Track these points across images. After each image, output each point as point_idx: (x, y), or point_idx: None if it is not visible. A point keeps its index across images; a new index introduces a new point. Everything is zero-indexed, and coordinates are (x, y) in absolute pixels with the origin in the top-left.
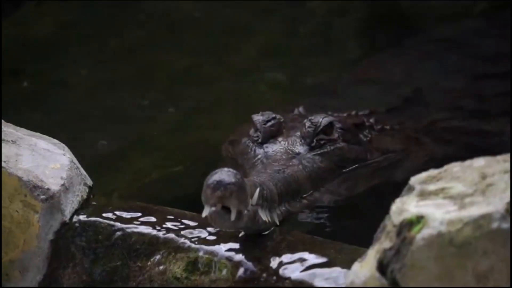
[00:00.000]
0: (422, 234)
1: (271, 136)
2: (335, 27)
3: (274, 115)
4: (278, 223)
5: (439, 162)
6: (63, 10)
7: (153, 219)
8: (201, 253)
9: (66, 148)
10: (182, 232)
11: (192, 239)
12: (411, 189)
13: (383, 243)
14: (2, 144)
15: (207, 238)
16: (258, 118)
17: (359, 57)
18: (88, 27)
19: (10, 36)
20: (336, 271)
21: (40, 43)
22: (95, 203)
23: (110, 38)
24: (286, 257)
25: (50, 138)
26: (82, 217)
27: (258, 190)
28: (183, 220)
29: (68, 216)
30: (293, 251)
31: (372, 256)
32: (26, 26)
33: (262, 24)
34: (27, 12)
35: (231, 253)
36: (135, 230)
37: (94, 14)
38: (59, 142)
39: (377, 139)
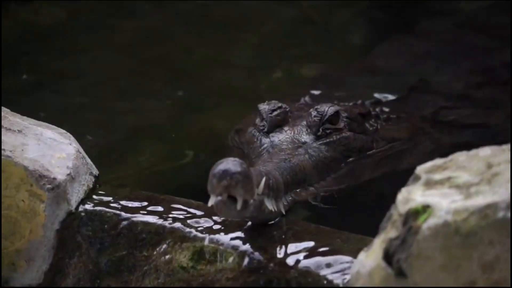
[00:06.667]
0: (428, 223)
1: (277, 125)
2: (341, 16)
3: (280, 104)
4: (284, 212)
5: (445, 151)
6: (67, 1)
7: (159, 208)
8: (207, 243)
9: (72, 138)
10: (188, 222)
11: (199, 229)
12: (417, 178)
13: (389, 232)
14: (9, 134)
15: (214, 227)
16: (264, 107)
17: (365, 47)
18: (92, 18)
19: (12, 27)
20: (342, 261)
21: (41, 33)
22: (101, 192)
23: (115, 28)
24: (292, 247)
25: (56, 127)
26: (88, 207)
27: (264, 179)
28: (189, 210)
29: (74, 206)
30: (299, 240)
31: (378, 245)
32: (28, 17)
33: (269, 13)
34: (29, 3)
35: (237, 243)
36: (141, 219)
37: (99, 5)
38: (65, 132)
39: (383, 129)
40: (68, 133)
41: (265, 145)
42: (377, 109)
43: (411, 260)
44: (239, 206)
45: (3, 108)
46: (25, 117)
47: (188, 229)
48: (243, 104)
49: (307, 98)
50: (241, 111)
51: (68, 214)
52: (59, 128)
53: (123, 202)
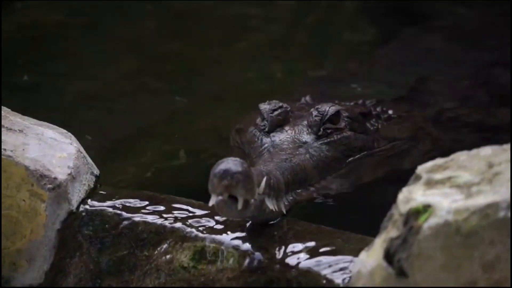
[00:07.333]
0: (428, 223)
1: (278, 125)
2: (343, 15)
3: (280, 104)
4: (285, 212)
5: (446, 151)
6: (67, 1)
7: (160, 208)
8: (208, 242)
9: (73, 137)
10: (189, 221)
11: (199, 228)
12: (418, 178)
13: (390, 232)
14: (9, 133)
15: (214, 227)
16: (264, 107)
17: (366, 46)
18: (92, 18)
19: (12, 27)
20: (343, 260)
21: (42, 33)
22: (102, 192)
23: (117, 28)
24: (293, 246)
25: (57, 127)
26: (89, 206)
27: (264, 179)
28: (190, 209)
29: (75, 205)
30: (300, 240)
31: (379, 245)
32: (29, 16)
33: (270, 13)
34: (29, 3)
35: (238, 242)
36: (142, 219)
37: (99, 5)
38: (66, 131)
39: (384, 128)
40: (69, 133)
41: (266, 145)
42: (378, 109)
43: (412, 259)
44: (240, 205)
45: (4, 108)
46: (26, 117)
47: (189, 229)
48: (244, 104)
49: (307, 98)
50: (242, 110)
51: (69, 213)
52: (60, 128)
53: (124, 202)
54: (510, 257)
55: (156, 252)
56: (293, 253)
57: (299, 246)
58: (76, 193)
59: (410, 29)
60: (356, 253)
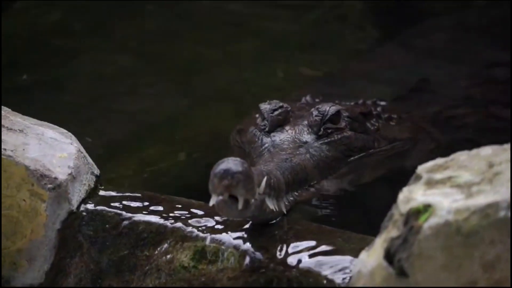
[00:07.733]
0: (429, 223)
1: (278, 125)
2: (343, 16)
3: (281, 104)
4: (285, 212)
5: (446, 150)
6: (67, 1)
7: (160, 208)
8: (208, 242)
9: (73, 137)
10: (190, 221)
11: (200, 228)
12: (418, 178)
13: (390, 232)
14: (10, 133)
15: (215, 227)
16: (265, 107)
17: (367, 46)
18: (92, 18)
19: (12, 27)
20: (344, 260)
21: (45, 33)
22: (102, 192)
23: (117, 28)
24: (293, 246)
25: (58, 127)
26: (89, 206)
27: (265, 179)
28: (190, 209)
29: (75, 205)
30: (300, 240)
31: (379, 245)
32: (28, 17)
33: (270, 13)
34: (29, 3)
35: (239, 242)
36: (143, 219)
37: (99, 5)
38: (66, 131)
39: (385, 128)
40: (69, 133)
41: (266, 145)
42: (379, 109)
43: (412, 259)
44: (240, 205)
45: (4, 108)
46: (26, 117)
47: (189, 229)
48: (244, 104)
49: (308, 98)
50: (242, 111)
51: (69, 213)
52: (60, 128)
53: (124, 202)
54: (510, 257)
55: (156, 252)
56: (294, 252)
57: (299, 245)
58: (77, 193)
59: (411, 29)
60: (356, 253)
